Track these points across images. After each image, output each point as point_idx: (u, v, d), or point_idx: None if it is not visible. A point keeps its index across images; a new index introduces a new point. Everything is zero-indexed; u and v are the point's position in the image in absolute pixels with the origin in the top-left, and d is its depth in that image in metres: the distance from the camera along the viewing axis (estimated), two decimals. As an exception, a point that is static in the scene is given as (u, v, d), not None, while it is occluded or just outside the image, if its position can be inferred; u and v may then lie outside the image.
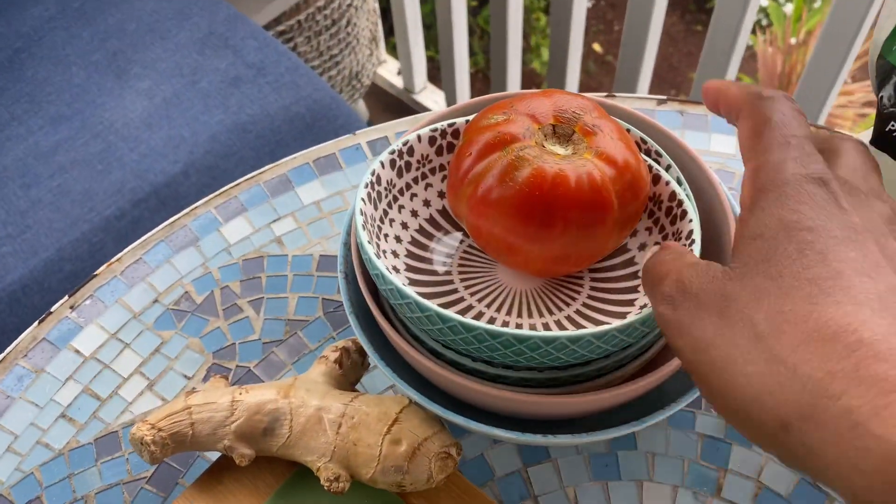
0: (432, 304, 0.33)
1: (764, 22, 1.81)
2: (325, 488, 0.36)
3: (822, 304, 0.21)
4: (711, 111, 0.31)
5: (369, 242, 0.37)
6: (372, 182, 0.40)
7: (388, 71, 1.63)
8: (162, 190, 0.73)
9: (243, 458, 0.38)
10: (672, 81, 1.82)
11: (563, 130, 0.35)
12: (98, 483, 0.42)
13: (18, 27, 0.85)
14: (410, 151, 0.42)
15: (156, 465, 0.40)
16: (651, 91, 1.52)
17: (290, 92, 0.81)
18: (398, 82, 1.61)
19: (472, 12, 1.83)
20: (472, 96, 1.58)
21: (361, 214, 0.37)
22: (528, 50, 1.83)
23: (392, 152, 0.41)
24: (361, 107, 1.56)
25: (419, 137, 0.43)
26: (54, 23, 0.86)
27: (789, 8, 1.73)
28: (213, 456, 0.43)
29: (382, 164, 0.41)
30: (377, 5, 1.40)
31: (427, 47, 1.68)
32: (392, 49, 1.68)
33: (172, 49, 0.83)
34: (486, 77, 1.84)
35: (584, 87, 1.79)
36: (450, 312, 0.33)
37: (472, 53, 1.79)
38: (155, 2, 0.88)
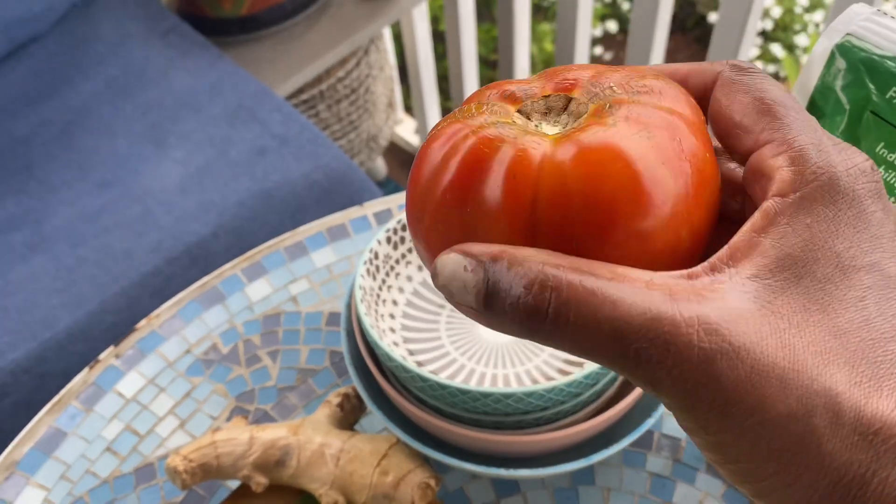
0: (414, 366, 0.41)
1: (782, 74, 1.89)
2: (326, 512, 0.44)
3: (874, 396, 0.18)
4: None
5: (367, 314, 0.45)
6: (371, 258, 0.48)
7: (406, 129, 1.73)
8: (193, 249, 0.82)
9: (259, 485, 0.45)
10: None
11: (553, 102, 0.23)
12: (137, 507, 0.50)
13: (70, 102, 0.96)
14: (404, 227, 0.50)
15: (186, 490, 0.47)
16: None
17: (310, 161, 0.90)
18: (415, 141, 1.71)
19: (493, 65, 1.93)
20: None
21: (360, 289, 0.45)
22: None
23: (388, 230, 0.49)
24: (380, 164, 1.66)
25: (412, 216, 0.51)
26: (101, 98, 0.96)
27: (805, 60, 1.81)
28: (234, 485, 0.50)
29: (379, 242, 0.49)
30: (394, 73, 1.50)
31: (447, 98, 1.77)
32: (409, 98, 1.78)
33: (205, 122, 0.93)
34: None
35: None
36: (426, 372, 0.41)
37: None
38: (191, 78, 0.98)
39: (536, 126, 0.22)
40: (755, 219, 0.20)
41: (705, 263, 0.20)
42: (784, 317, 0.19)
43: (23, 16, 0.99)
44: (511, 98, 0.23)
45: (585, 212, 0.20)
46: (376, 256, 0.49)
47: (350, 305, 0.50)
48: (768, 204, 0.20)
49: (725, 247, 0.20)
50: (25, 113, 0.95)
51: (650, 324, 0.18)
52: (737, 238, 0.20)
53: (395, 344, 0.47)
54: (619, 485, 0.49)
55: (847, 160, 0.20)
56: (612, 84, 0.22)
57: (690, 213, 0.20)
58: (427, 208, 0.21)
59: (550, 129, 0.22)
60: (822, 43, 0.38)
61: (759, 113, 0.21)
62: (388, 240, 0.49)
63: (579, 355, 0.19)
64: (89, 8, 1.06)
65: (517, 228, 0.20)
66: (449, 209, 0.21)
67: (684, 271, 0.20)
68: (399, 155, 1.77)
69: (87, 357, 0.77)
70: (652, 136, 0.20)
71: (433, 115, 1.60)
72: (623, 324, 0.18)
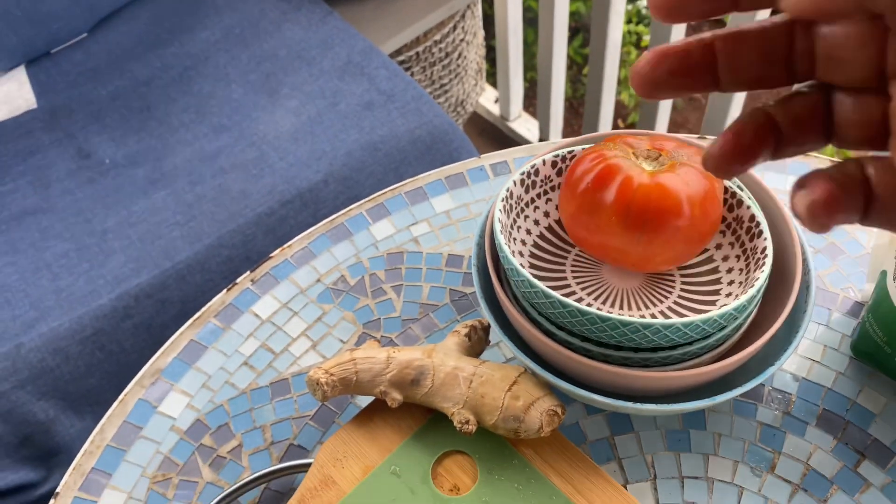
0: (556, 294, 0.44)
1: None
2: (458, 429, 0.47)
3: None
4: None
5: (505, 243, 0.48)
6: (506, 196, 0.50)
7: (486, 98, 1.74)
8: (305, 194, 0.86)
9: (394, 401, 0.48)
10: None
11: (652, 154, 0.48)
12: (272, 417, 0.54)
13: (189, 49, 1.00)
14: (536, 173, 0.53)
15: (324, 402, 0.51)
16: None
17: (414, 117, 0.93)
18: (495, 109, 1.73)
19: (573, 32, 1.93)
20: (563, 124, 1.68)
21: (499, 222, 0.48)
22: (617, 82, 1.91)
23: (523, 173, 0.52)
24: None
25: (544, 161, 0.53)
26: (219, 46, 1.00)
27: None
28: (363, 402, 0.54)
29: (514, 183, 0.51)
30: (485, 40, 1.52)
31: (529, 68, 1.78)
32: (490, 75, 1.80)
33: (317, 74, 0.97)
34: (571, 105, 1.93)
35: (672, 122, 1.87)
36: (570, 300, 0.43)
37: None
38: (303, 32, 1.01)
39: (640, 162, 0.47)
40: None
41: None
42: None
43: (147, -36, 1.04)
44: (631, 146, 0.48)
45: (655, 212, 0.46)
46: (511, 196, 0.51)
47: (480, 244, 0.53)
48: None
49: None
50: (147, 58, 1.00)
51: None
52: None
53: (527, 281, 0.50)
54: (729, 431, 0.51)
55: None
56: (682, 153, 0.48)
57: (701, 223, 0.46)
58: (574, 192, 0.48)
59: (647, 166, 0.47)
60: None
61: None
62: (522, 182, 0.52)
63: None
64: (207, -40, 1.10)
65: (620, 213, 0.46)
66: (587, 194, 0.47)
67: None
68: (478, 123, 1.79)
69: (204, 287, 0.82)
70: (690, 185, 0.46)
71: (517, 85, 1.62)
72: None
